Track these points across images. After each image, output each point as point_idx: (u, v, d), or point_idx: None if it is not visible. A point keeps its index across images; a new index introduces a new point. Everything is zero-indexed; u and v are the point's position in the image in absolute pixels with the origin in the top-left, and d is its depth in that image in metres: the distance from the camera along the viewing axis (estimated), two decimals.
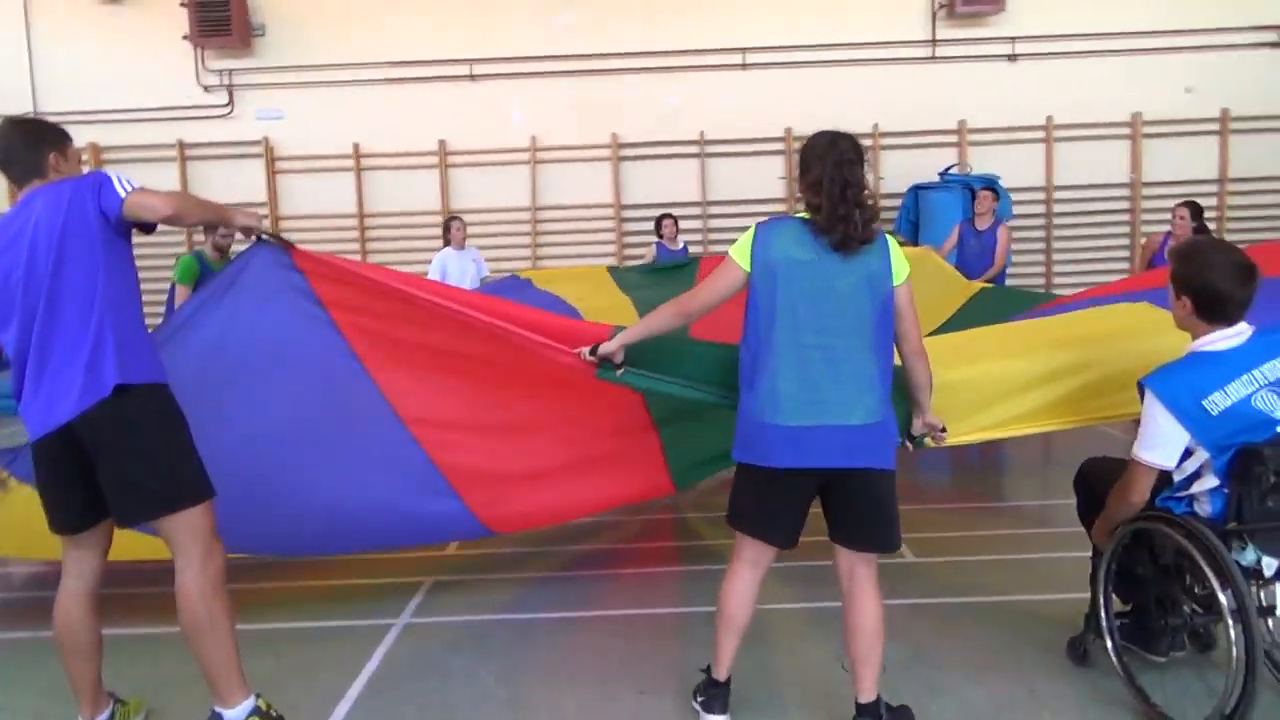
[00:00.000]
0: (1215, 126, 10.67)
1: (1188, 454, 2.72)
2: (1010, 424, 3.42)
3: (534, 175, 11.02)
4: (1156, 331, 3.21)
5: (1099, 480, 3.23)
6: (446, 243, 8.72)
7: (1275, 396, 2.62)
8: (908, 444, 3.07)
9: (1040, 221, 10.90)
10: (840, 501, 2.74)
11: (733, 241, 2.83)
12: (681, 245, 9.32)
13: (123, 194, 2.65)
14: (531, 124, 10.97)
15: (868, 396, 2.66)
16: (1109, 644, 3.03)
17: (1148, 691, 2.90)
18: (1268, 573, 2.66)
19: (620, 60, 10.81)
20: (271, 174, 11.02)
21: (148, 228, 2.83)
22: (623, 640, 3.68)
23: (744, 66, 10.87)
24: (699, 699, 3.01)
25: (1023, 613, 3.73)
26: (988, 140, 10.62)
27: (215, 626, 2.74)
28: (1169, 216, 7.87)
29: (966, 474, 6.26)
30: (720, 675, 2.95)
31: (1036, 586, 3.98)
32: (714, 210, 11.01)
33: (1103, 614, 3.06)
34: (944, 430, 3.03)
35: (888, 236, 2.77)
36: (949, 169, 10.20)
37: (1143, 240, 8.17)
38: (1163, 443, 2.71)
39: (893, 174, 10.58)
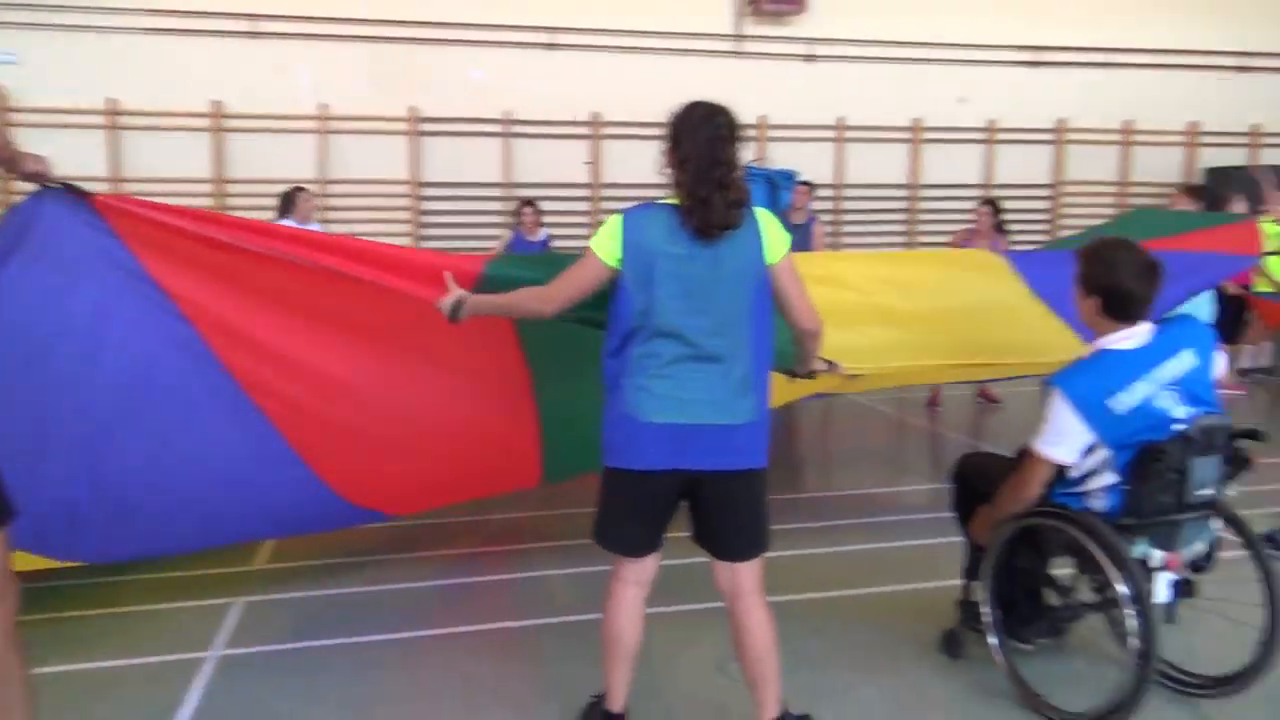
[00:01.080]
0: (984, 136, 11.60)
1: (1088, 450, 2.76)
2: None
3: (323, 145, 10.18)
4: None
5: (979, 476, 3.27)
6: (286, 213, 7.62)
7: (1174, 395, 2.71)
8: (795, 377, 2.96)
9: (829, 217, 11.40)
10: (716, 506, 2.55)
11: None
12: (543, 235, 8.69)
13: None
14: (322, 89, 10.11)
15: (744, 395, 2.50)
16: (993, 638, 3.06)
17: (1027, 680, 2.95)
18: (1152, 565, 2.76)
19: (422, 29, 10.18)
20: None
21: None
22: (484, 660, 3.33)
23: (551, 46, 10.57)
24: None
25: (885, 605, 3.75)
26: (785, 137, 10.94)
27: (6, 684, 2.15)
28: (944, 216, 8.47)
29: (802, 465, 6.35)
30: (616, 707, 2.69)
31: (894, 577, 4.02)
32: (519, 193, 10.65)
33: (984, 607, 3.08)
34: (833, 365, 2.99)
35: (757, 212, 2.54)
36: (751, 162, 10.42)
37: (948, 238, 8.74)
38: (1066, 440, 2.75)
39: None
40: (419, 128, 10.36)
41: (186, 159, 9.86)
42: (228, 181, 10.00)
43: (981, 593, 3.10)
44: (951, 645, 3.27)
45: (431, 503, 4.18)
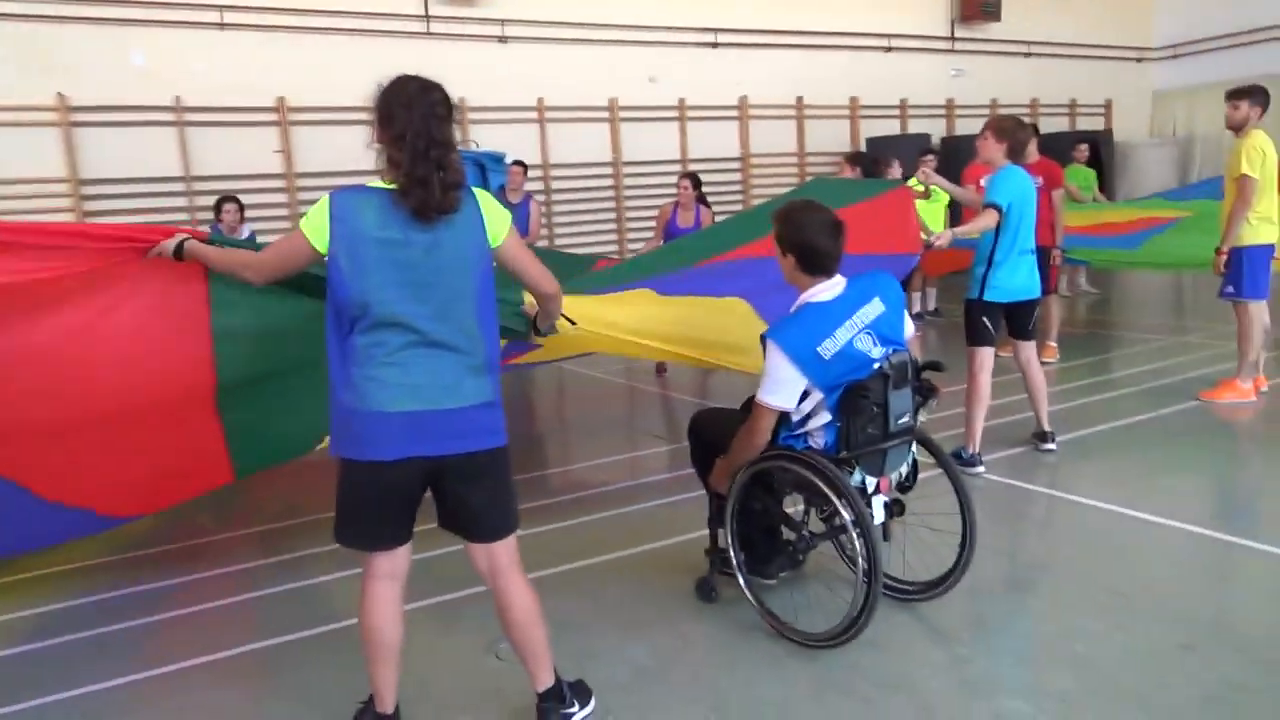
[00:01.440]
0: (675, 114, 12.21)
1: (804, 395, 3.02)
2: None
3: None
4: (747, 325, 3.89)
5: (712, 429, 3.47)
6: None
7: (870, 338, 3.02)
8: (539, 335, 3.12)
9: (540, 198, 11.52)
10: (460, 490, 2.50)
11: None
12: (246, 232, 7.89)
13: None
14: None
15: (476, 376, 2.47)
16: (741, 578, 3.28)
17: (776, 612, 3.20)
18: (869, 490, 3.08)
19: (68, 6, 9.03)
20: None
21: None
22: (235, 687, 3.08)
23: (221, 26, 9.77)
24: None
25: (640, 565, 3.88)
26: (486, 119, 10.89)
27: None
28: (647, 191, 8.74)
29: (543, 440, 6.39)
30: (386, 708, 2.61)
31: (646, 537, 4.16)
32: (201, 187, 9.79)
33: (731, 551, 3.30)
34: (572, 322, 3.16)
35: (476, 192, 2.49)
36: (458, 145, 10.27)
37: (655, 211, 9.11)
38: (784, 388, 2.98)
39: None
40: (71, 117, 9.21)
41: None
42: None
43: (726, 537, 3.32)
44: (706, 591, 3.47)
45: (138, 506, 3.99)
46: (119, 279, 3.11)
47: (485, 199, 2.50)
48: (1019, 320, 4.95)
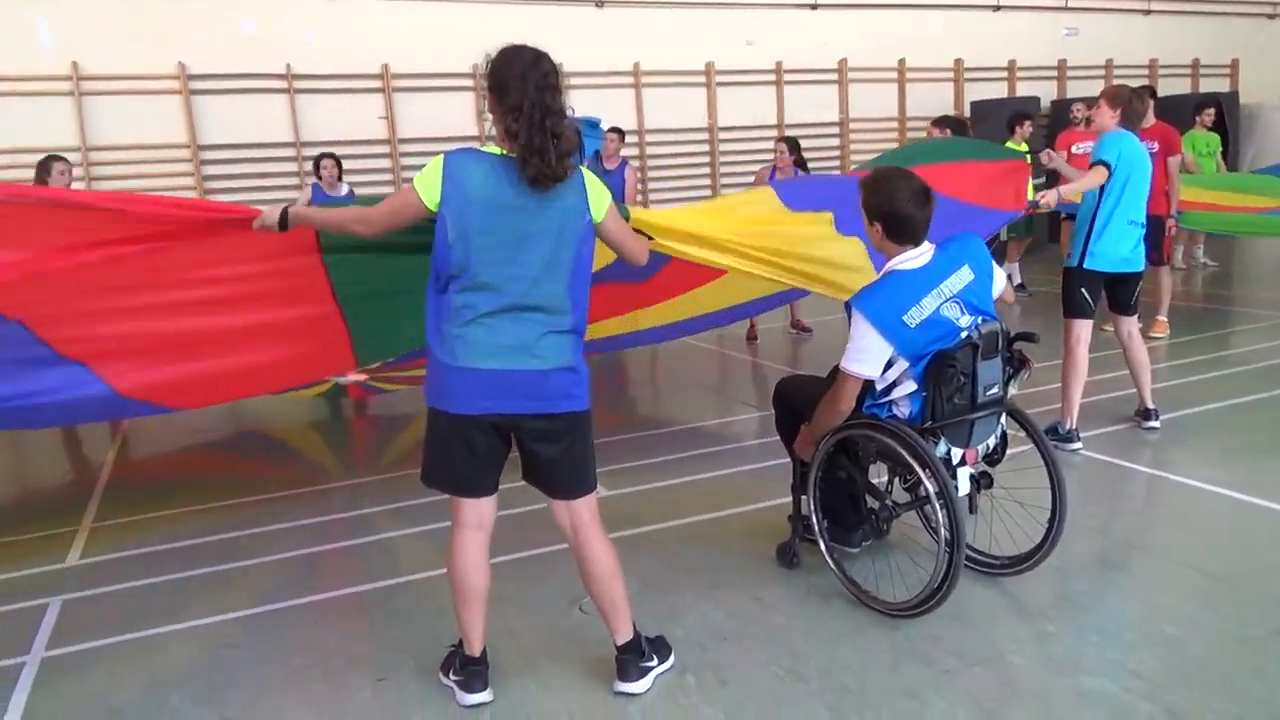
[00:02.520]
0: (772, 78, 12.04)
1: (889, 364, 3.00)
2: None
3: (79, 108, 9.28)
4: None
5: (797, 396, 3.48)
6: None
7: (958, 306, 2.98)
8: None
9: (635, 163, 11.55)
10: (538, 449, 2.60)
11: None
12: (345, 190, 8.28)
13: None
14: (68, 46, 9.18)
15: (560, 340, 2.56)
16: (822, 544, 3.30)
17: (856, 579, 3.21)
18: (954, 461, 3.05)
19: None
20: None
21: None
22: (334, 627, 3.27)
23: None
24: (453, 677, 2.76)
25: (721, 529, 3.93)
26: (582, 85, 10.93)
27: None
28: (743, 157, 8.72)
29: (635, 404, 6.49)
30: (474, 651, 2.73)
31: (723, 502, 4.21)
32: (309, 152, 10.13)
33: (813, 518, 3.31)
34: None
35: (583, 171, 2.59)
36: None
37: (750, 178, 9.09)
38: (869, 355, 2.97)
39: None
40: (190, 86, 9.64)
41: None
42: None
43: (809, 505, 3.33)
44: (787, 556, 3.50)
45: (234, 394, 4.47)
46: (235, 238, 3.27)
47: (590, 177, 2.60)
48: (1121, 293, 4.78)
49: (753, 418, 5.78)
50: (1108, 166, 4.44)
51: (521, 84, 2.40)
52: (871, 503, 3.32)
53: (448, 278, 2.50)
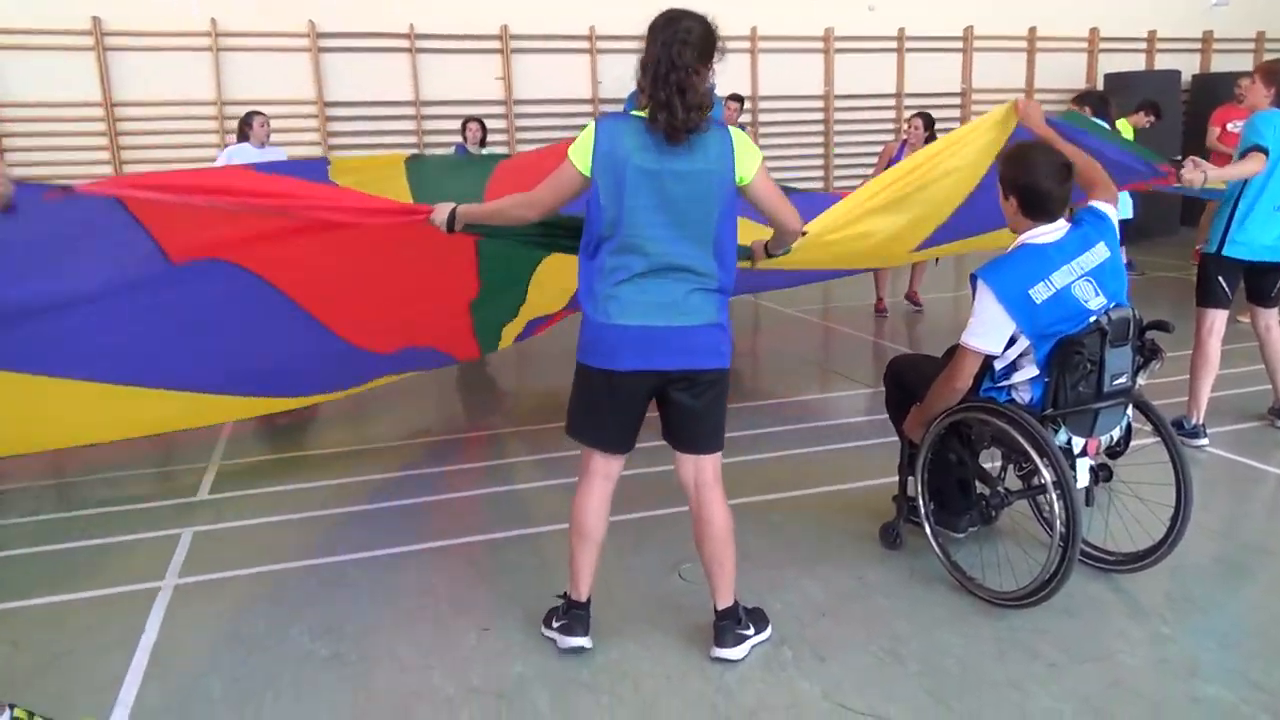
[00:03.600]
0: (893, 45, 11.69)
1: (1011, 342, 2.91)
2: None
3: (217, 64, 9.68)
4: None
5: (911, 375, 3.42)
6: (244, 138, 7.48)
7: (1090, 285, 2.87)
8: (770, 256, 3.14)
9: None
10: (682, 403, 2.67)
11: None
12: (485, 152, 8.60)
13: None
14: (207, 4, 9.58)
15: (707, 298, 2.62)
16: (927, 528, 3.25)
17: (962, 566, 3.16)
18: (1075, 451, 2.96)
19: None
20: None
21: None
22: (446, 574, 3.40)
23: None
24: (556, 624, 2.86)
25: (823, 505, 3.91)
26: None
27: None
28: (860, 127, 8.48)
29: (740, 376, 6.46)
30: (580, 595, 2.83)
31: (832, 478, 4.19)
32: (427, 111, 10.36)
33: (920, 500, 3.27)
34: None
35: (732, 131, 2.60)
36: None
37: (868, 149, 8.94)
38: (991, 330, 2.89)
39: (615, 81, 10.56)
40: (320, 44, 9.94)
41: (67, 81, 9.28)
42: (117, 105, 9.48)
43: (916, 486, 3.28)
44: (889, 537, 3.46)
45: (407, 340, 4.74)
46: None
47: (740, 137, 2.61)
48: (1261, 284, 4.50)
49: (860, 394, 5.71)
50: (1266, 151, 4.18)
51: (653, 43, 2.47)
52: (982, 488, 3.25)
53: (599, 240, 2.58)
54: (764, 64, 11.24)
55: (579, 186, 2.59)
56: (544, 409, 5.60)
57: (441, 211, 2.92)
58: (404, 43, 10.18)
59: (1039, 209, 2.90)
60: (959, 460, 3.23)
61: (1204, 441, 4.45)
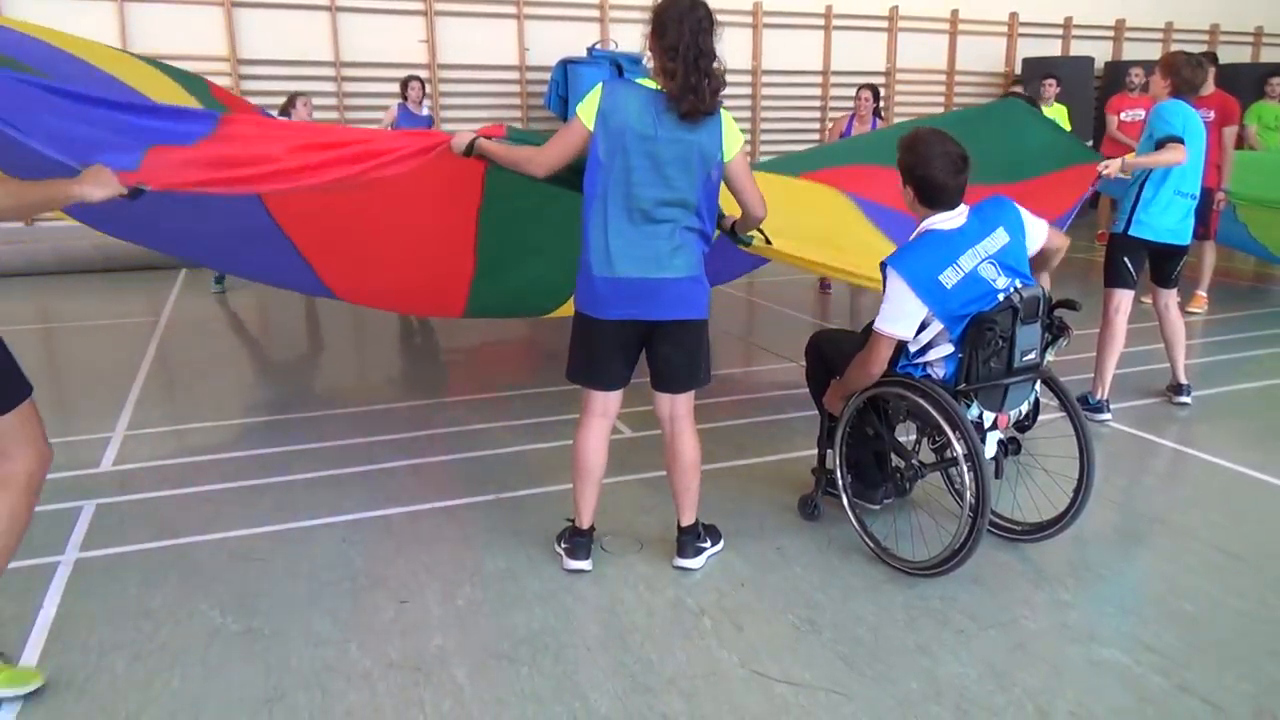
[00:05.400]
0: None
1: (923, 326, 2.97)
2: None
3: (122, 15, 9.23)
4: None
5: (830, 349, 3.47)
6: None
7: (994, 267, 2.94)
8: (737, 242, 3.36)
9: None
10: (664, 349, 2.96)
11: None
12: (425, 111, 8.81)
13: None
14: None
15: (689, 253, 2.88)
16: (845, 499, 3.32)
17: (877, 536, 3.23)
18: (985, 425, 3.04)
19: None
20: None
21: None
22: (363, 547, 3.32)
23: None
24: (563, 545, 3.16)
25: (744, 476, 3.96)
26: None
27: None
28: (792, 102, 8.70)
29: None
30: (584, 523, 3.13)
31: (746, 451, 4.24)
32: (348, 74, 10.07)
33: (838, 473, 3.33)
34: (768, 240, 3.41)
35: (723, 112, 2.83)
36: (594, 46, 10.23)
37: (830, 124, 9.07)
38: (903, 317, 2.95)
39: (542, 49, 10.43)
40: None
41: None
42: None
43: (835, 459, 3.34)
44: (808, 508, 3.52)
45: (379, 302, 5.27)
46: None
47: (728, 118, 2.86)
48: (1163, 266, 4.70)
49: (782, 368, 5.77)
50: (1182, 141, 4.32)
51: (679, 27, 2.67)
52: (897, 461, 3.32)
53: (596, 195, 2.80)
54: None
55: (584, 142, 2.80)
56: (468, 381, 5.56)
57: (461, 139, 3.12)
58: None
59: (934, 200, 2.98)
60: (876, 434, 3.30)
61: (1107, 416, 4.63)
